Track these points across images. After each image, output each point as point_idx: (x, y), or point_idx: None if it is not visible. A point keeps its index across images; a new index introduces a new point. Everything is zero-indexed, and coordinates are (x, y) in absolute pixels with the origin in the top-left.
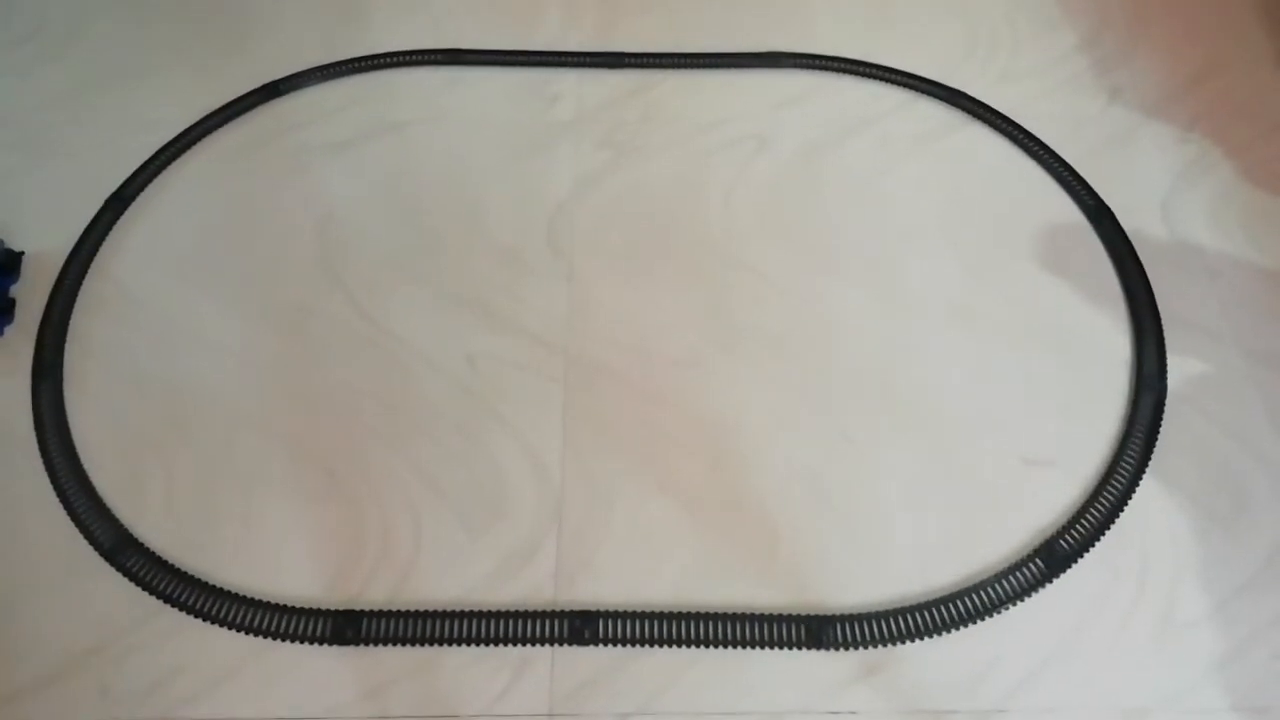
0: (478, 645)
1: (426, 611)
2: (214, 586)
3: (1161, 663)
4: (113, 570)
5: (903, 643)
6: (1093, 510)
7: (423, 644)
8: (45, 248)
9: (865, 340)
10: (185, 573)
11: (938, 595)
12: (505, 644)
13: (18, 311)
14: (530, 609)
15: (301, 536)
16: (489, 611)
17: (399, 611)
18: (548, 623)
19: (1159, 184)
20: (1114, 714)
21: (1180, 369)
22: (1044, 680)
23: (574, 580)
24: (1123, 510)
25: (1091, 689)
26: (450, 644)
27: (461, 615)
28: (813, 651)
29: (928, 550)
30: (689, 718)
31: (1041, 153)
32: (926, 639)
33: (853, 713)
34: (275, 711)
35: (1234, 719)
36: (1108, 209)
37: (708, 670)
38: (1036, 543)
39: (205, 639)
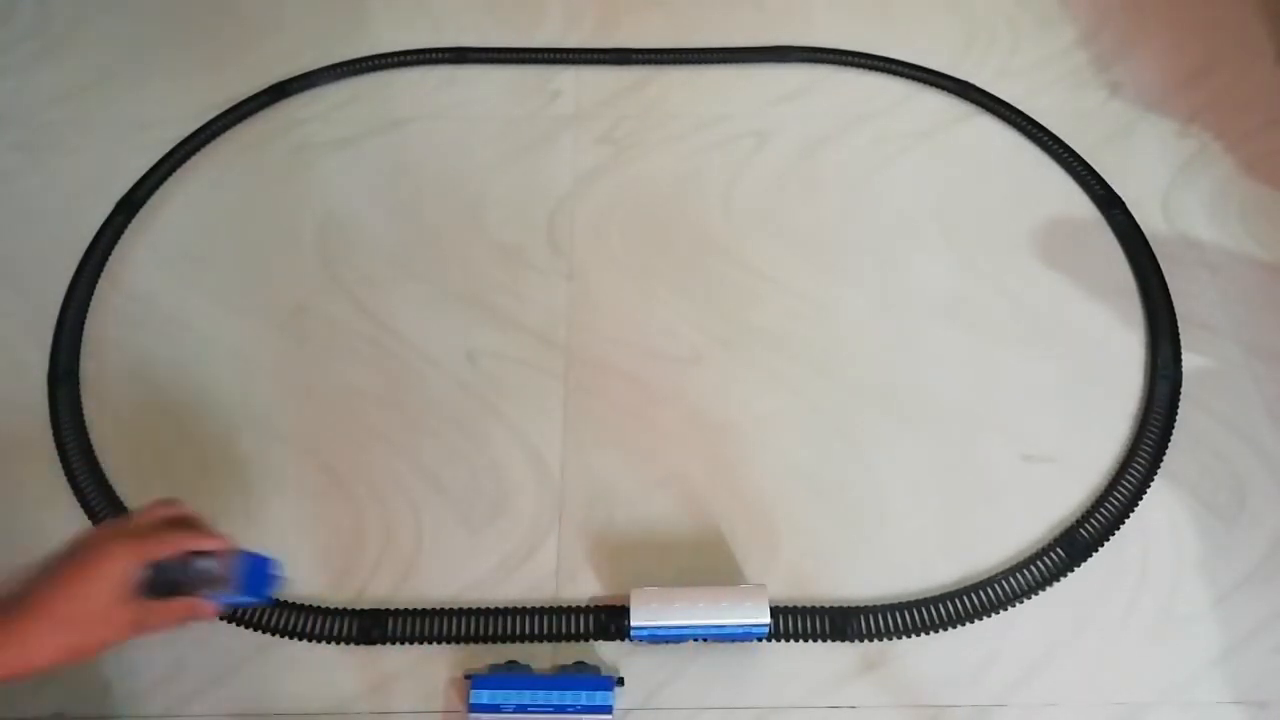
0: (519, 642)
1: (462, 610)
2: None
3: (1162, 656)
4: None
5: (926, 634)
6: (1113, 497)
7: (455, 642)
8: (54, 249)
9: (869, 335)
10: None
11: (948, 588)
12: (539, 640)
13: (28, 315)
14: (565, 605)
15: (303, 534)
16: (533, 608)
17: (430, 610)
18: (579, 618)
19: (1159, 178)
20: (1114, 708)
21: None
22: (1044, 674)
23: (575, 578)
24: (1143, 496)
25: (1092, 683)
26: (487, 642)
27: (508, 613)
28: (813, 646)
29: (929, 546)
30: (690, 712)
31: (1051, 144)
32: (951, 629)
33: (852, 707)
34: (279, 708)
35: (1234, 712)
36: (1119, 199)
37: (708, 665)
38: (1045, 537)
39: (209, 635)
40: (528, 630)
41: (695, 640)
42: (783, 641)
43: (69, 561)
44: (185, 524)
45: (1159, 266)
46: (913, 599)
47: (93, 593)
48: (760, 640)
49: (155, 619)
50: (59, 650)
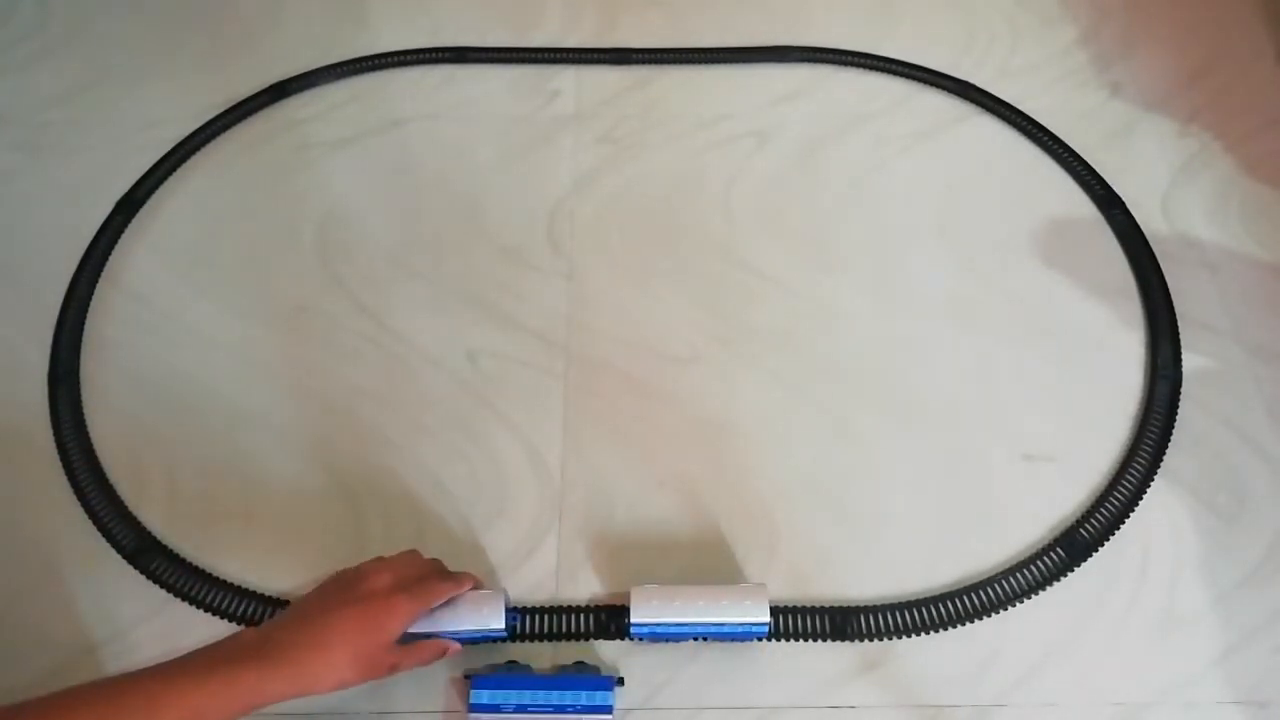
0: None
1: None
2: (249, 590)
3: (1162, 656)
4: (130, 569)
5: (926, 634)
6: (1113, 497)
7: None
8: (54, 249)
9: (869, 335)
10: (216, 576)
11: (948, 588)
12: (539, 640)
13: (28, 315)
14: (564, 604)
15: (302, 534)
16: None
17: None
18: (579, 618)
19: (1159, 178)
20: (1114, 708)
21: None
22: (1044, 674)
23: (575, 577)
24: (1143, 496)
25: (1092, 683)
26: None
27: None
28: (813, 646)
29: (929, 546)
30: (690, 712)
31: (1051, 144)
32: (951, 629)
33: (852, 707)
34: (279, 708)
35: (1234, 713)
36: (1119, 199)
37: (707, 665)
38: (1045, 537)
39: (207, 637)
40: (528, 630)
41: (695, 639)
42: (783, 641)
43: (365, 611)
44: (440, 570)
45: (1159, 266)
46: (913, 599)
47: (376, 642)
48: (760, 639)
49: (410, 661)
50: (337, 684)
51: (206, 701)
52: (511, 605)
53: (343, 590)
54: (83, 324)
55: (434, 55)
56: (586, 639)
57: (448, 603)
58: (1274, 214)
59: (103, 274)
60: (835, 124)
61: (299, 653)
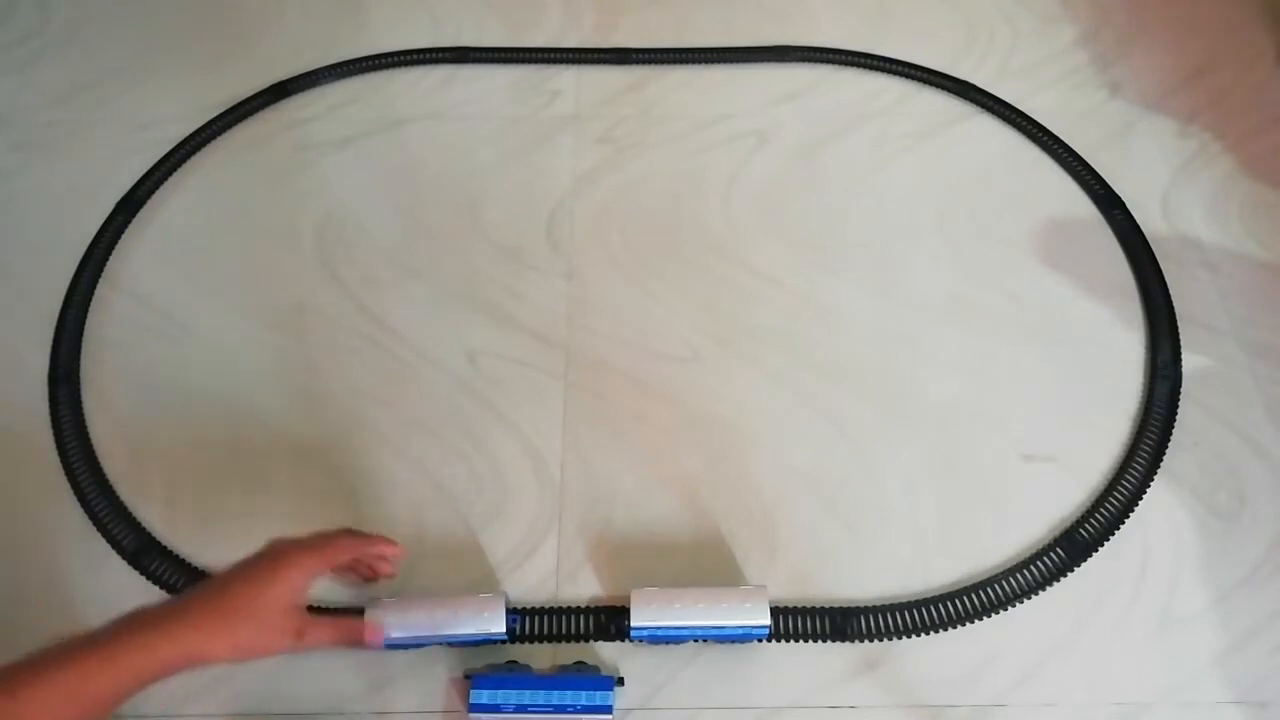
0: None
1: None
2: None
3: (1162, 656)
4: (130, 569)
5: (926, 634)
6: (1113, 497)
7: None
8: (54, 249)
9: (869, 335)
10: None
11: (948, 588)
12: (539, 641)
13: (28, 315)
14: (565, 605)
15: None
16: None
17: None
18: (579, 618)
19: (1159, 178)
20: (1114, 707)
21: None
22: (1044, 674)
23: (575, 578)
24: (1143, 496)
25: (1092, 683)
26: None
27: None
28: (813, 646)
29: (929, 546)
30: (690, 712)
31: (1051, 144)
32: (951, 629)
33: (852, 707)
34: (279, 708)
35: (1234, 713)
36: (1119, 199)
37: (706, 666)
38: (1045, 537)
39: None
40: (528, 631)
41: (695, 641)
42: (783, 641)
43: (255, 566)
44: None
45: (1159, 266)
46: (913, 599)
47: (272, 599)
48: (761, 641)
49: (318, 633)
50: (231, 646)
51: (79, 684)
52: (512, 606)
53: (246, 558)
54: (83, 324)
55: (434, 55)
56: (586, 640)
57: (448, 605)
58: (1274, 214)
59: (103, 274)
60: (835, 124)
61: (189, 616)
